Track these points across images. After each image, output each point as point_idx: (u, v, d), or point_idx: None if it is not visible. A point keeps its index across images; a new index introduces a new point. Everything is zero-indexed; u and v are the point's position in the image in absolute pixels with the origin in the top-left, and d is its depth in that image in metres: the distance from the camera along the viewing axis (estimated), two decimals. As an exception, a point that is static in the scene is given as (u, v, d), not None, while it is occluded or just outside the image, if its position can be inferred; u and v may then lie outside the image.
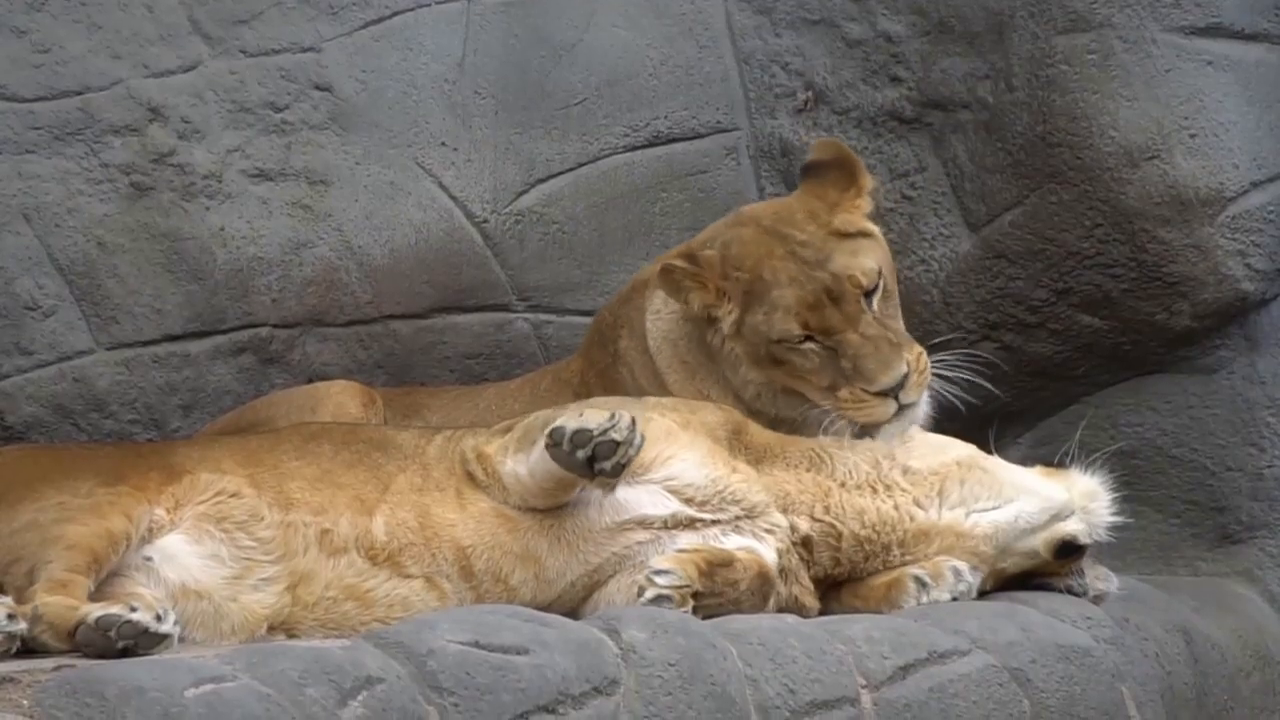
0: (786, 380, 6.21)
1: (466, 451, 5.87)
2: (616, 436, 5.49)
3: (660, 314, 6.45)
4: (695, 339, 6.38)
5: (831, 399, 6.13)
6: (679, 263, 6.28)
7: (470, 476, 5.84)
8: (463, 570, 5.74)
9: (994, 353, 7.02)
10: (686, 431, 5.90)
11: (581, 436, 5.49)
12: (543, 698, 4.97)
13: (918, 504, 5.92)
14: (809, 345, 6.15)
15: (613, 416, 5.50)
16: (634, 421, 5.53)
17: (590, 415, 5.51)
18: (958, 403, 6.19)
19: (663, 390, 6.37)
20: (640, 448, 5.57)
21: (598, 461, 5.50)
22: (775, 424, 6.21)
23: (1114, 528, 5.97)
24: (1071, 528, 5.91)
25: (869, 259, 6.21)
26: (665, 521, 5.79)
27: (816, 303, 6.15)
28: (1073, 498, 5.92)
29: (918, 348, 6.17)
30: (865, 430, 6.12)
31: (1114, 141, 6.74)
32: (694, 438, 5.89)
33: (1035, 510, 5.91)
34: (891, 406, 6.09)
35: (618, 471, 5.54)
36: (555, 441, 5.52)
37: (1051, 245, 6.88)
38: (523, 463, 5.74)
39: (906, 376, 6.08)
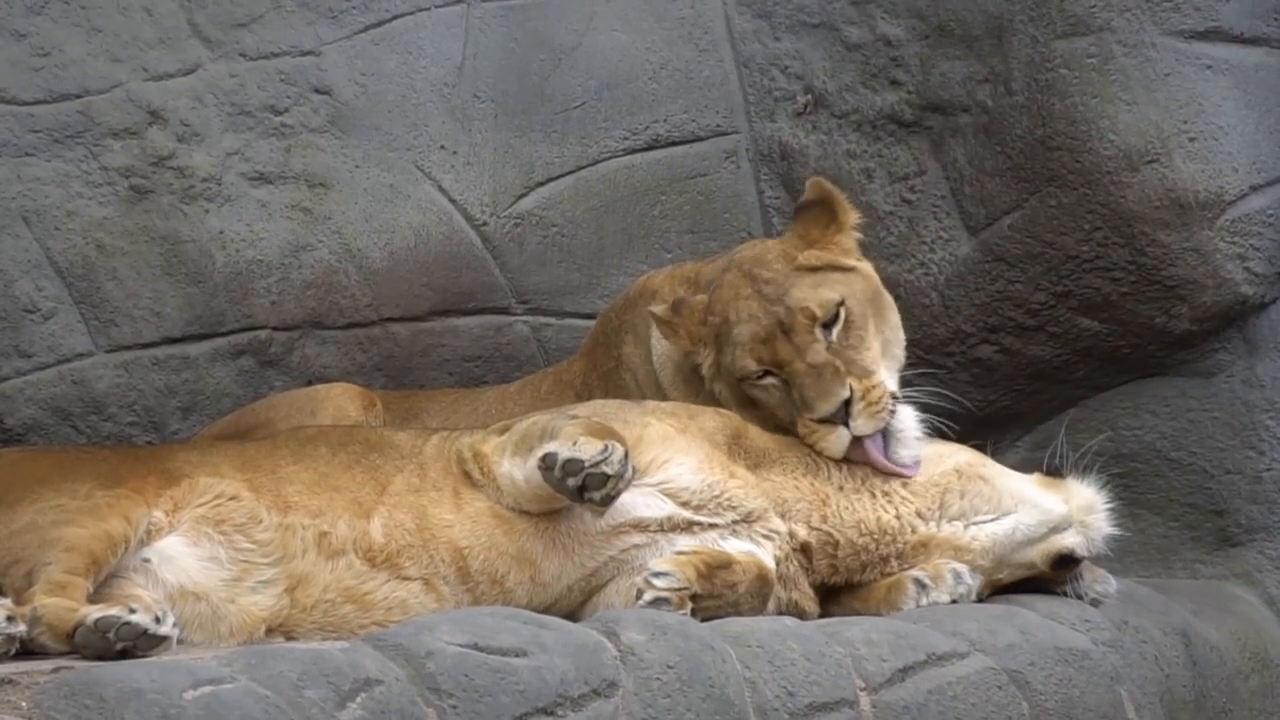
0: (766, 415, 6.19)
1: (464, 450, 5.86)
2: (608, 470, 5.47)
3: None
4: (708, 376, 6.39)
5: (803, 428, 6.09)
6: (661, 312, 6.30)
7: (467, 476, 5.84)
8: (459, 571, 5.74)
9: (993, 356, 7.03)
10: (684, 436, 5.90)
11: (573, 466, 5.47)
12: (541, 700, 4.97)
13: (920, 515, 5.91)
14: (768, 380, 6.13)
15: (606, 449, 5.47)
16: (626, 455, 5.51)
17: (584, 445, 5.48)
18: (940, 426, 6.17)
19: (664, 399, 6.37)
20: (630, 481, 5.56)
21: (588, 491, 5.49)
22: None
23: (1111, 539, 5.97)
24: (1069, 541, 5.91)
25: (830, 291, 6.15)
26: (661, 524, 5.79)
27: (769, 336, 6.12)
28: (1071, 510, 5.91)
29: (875, 378, 6.06)
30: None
31: (1113, 145, 6.74)
32: (691, 442, 5.89)
33: (1033, 523, 5.91)
34: (844, 436, 6.00)
35: (607, 502, 5.53)
36: (547, 466, 5.51)
37: (1051, 249, 6.88)
38: (519, 467, 5.73)
39: (849, 403, 5.99)
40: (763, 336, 6.13)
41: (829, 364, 6.04)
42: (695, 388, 6.38)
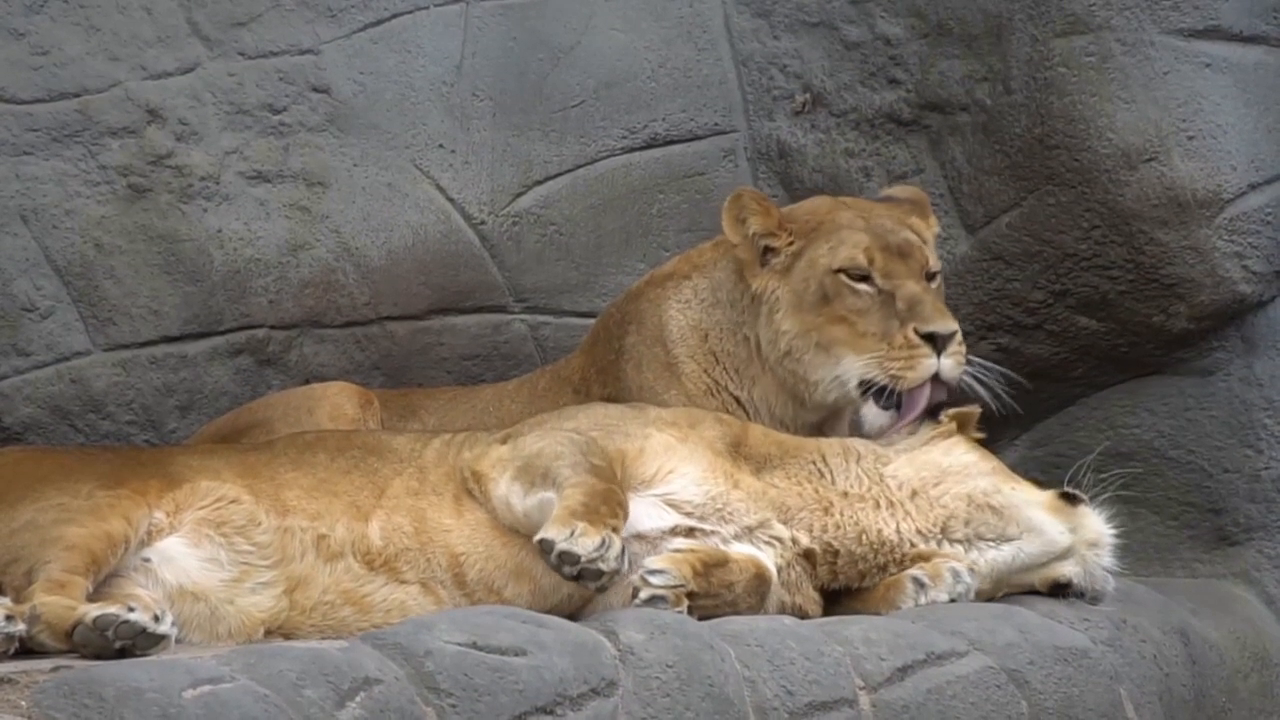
0: (828, 326, 6.22)
1: (464, 469, 5.84)
2: (603, 567, 5.36)
3: (690, 304, 6.47)
4: (727, 327, 6.39)
5: (880, 346, 6.14)
6: (749, 191, 6.38)
7: (469, 492, 5.82)
8: (456, 578, 5.73)
9: (991, 354, 7.03)
10: (685, 445, 5.86)
11: (569, 558, 5.36)
12: (540, 699, 4.97)
13: (920, 533, 5.89)
14: (865, 286, 6.20)
15: (603, 544, 5.36)
16: (623, 550, 5.41)
17: (581, 538, 5.35)
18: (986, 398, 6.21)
19: (672, 380, 6.38)
20: (626, 575, 5.47)
21: (584, 580, 5.39)
22: (794, 420, 6.31)
23: (1110, 574, 5.97)
24: (1068, 570, 5.91)
25: (936, 259, 6.34)
26: (663, 533, 5.77)
27: (885, 248, 6.22)
28: (1075, 542, 5.91)
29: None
30: (897, 393, 6.13)
31: (1112, 144, 6.74)
32: (693, 451, 5.86)
33: (1035, 552, 5.90)
34: (931, 365, 6.09)
35: (603, 590, 5.46)
36: (545, 550, 5.39)
37: (1049, 247, 6.88)
38: (518, 496, 5.70)
39: (954, 336, 6.10)
40: (881, 244, 6.23)
41: (938, 298, 6.19)
42: (716, 358, 6.39)
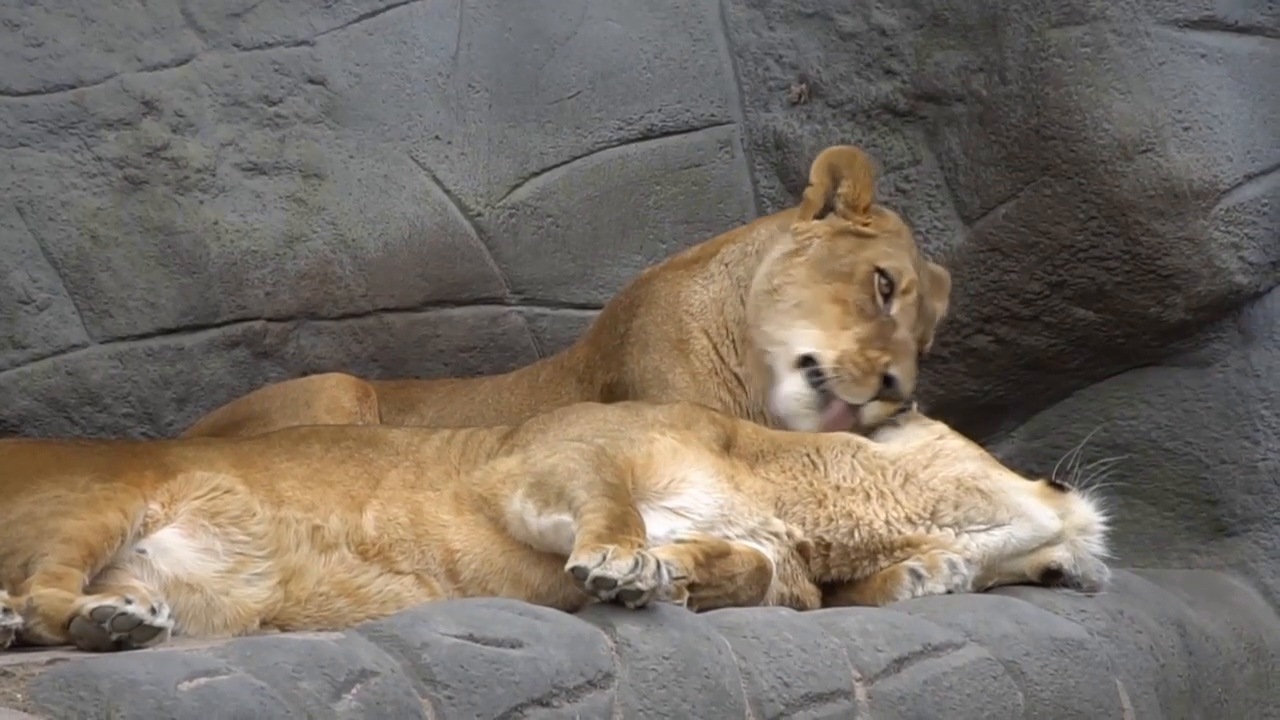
0: (825, 299, 6.28)
1: (472, 491, 5.77)
2: (641, 586, 5.24)
3: (714, 278, 6.49)
4: (745, 286, 6.43)
5: (851, 345, 6.19)
6: (868, 158, 6.51)
7: (478, 510, 5.78)
8: (450, 572, 5.71)
9: (988, 345, 7.03)
10: (689, 449, 5.83)
11: (605, 582, 5.24)
12: (537, 691, 4.97)
13: (909, 520, 5.90)
14: (878, 298, 6.27)
15: (637, 564, 5.25)
16: (659, 566, 5.29)
17: (615, 561, 5.25)
18: None
19: (679, 359, 6.39)
20: (669, 590, 5.38)
21: (623, 600, 5.28)
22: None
23: (1100, 560, 5.98)
24: (1058, 555, 5.92)
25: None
26: (667, 535, 5.75)
27: (919, 298, 6.33)
28: (1065, 528, 5.91)
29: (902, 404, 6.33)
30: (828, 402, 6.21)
31: (1108, 134, 6.74)
32: (698, 456, 5.83)
33: (1026, 537, 5.91)
34: (867, 398, 6.15)
35: (641, 608, 5.33)
36: (578, 578, 5.28)
37: (1045, 238, 6.88)
38: (531, 514, 5.63)
39: (901, 405, 6.17)
40: (916, 293, 6.32)
41: (916, 368, 6.27)
42: (727, 335, 6.43)
